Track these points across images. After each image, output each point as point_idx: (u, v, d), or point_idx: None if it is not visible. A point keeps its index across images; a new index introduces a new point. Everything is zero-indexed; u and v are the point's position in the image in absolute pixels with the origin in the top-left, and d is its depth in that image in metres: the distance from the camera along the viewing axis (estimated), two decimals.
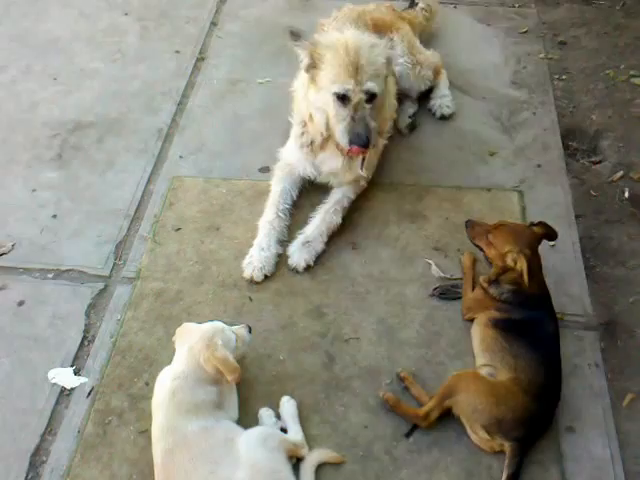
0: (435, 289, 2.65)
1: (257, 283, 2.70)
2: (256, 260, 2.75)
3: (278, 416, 2.28)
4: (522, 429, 2.13)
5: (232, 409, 2.22)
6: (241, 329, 2.28)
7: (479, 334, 2.40)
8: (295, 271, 2.73)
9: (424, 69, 3.43)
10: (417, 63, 3.38)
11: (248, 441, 2.06)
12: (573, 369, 2.40)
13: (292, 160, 2.99)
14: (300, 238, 2.80)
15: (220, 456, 1.97)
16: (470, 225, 2.57)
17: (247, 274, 2.73)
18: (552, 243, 2.77)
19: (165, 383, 2.14)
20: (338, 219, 2.85)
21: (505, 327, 2.33)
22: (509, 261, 2.36)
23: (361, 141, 2.57)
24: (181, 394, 2.07)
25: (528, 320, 2.32)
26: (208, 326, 2.21)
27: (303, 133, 2.90)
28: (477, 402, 2.15)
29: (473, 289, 2.56)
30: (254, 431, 2.12)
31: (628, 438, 2.24)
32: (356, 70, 2.54)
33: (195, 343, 2.14)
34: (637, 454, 2.20)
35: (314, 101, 2.71)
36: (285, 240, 2.85)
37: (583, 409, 2.30)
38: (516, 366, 2.21)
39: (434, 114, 3.44)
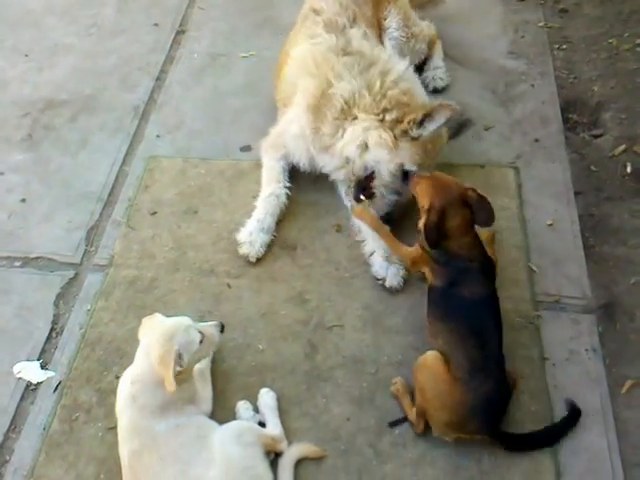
0: None
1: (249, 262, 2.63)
2: (256, 240, 2.65)
3: (256, 409, 2.22)
4: (473, 423, 2.03)
5: (205, 403, 2.16)
6: (211, 328, 2.14)
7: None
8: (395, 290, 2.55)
9: (418, 42, 3.30)
10: (412, 36, 3.25)
11: (222, 437, 2.00)
12: (569, 355, 2.32)
13: (291, 146, 2.83)
14: (378, 254, 2.59)
15: (191, 455, 1.91)
16: (412, 177, 2.46)
17: (244, 252, 2.63)
18: (549, 222, 2.71)
19: (125, 387, 2.05)
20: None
21: (432, 295, 2.23)
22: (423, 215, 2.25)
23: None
24: (142, 398, 1.98)
25: (453, 283, 2.17)
26: (170, 323, 2.06)
27: (316, 126, 2.69)
28: (433, 416, 2.08)
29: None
30: (229, 426, 2.06)
31: (627, 427, 2.16)
32: None
33: (153, 341, 2.02)
34: (636, 444, 2.13)
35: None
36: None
37: (580, 397, 2.22)
38: (448, 347, 2.10)
39: (427, 86, 3.32)
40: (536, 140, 3.04)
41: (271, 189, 2.79)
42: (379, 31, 3.14)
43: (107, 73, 3.49)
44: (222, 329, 2.18)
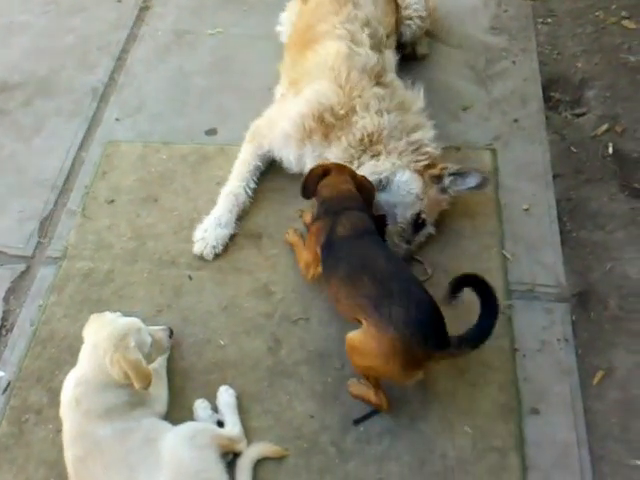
0: None
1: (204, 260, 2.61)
2: (211, 237, 2.62)
3: (215, 408, 2.21)
4: (419, 348, 1.94)
5: (159, 403, 2.15)
6: (160, 332, 2.15)
7: None
8: None
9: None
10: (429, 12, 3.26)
11: (174, 440, 1.98)
12: (541, 345, 2.32)
13: (279, 143, 2.73)
14: None
15: (138, 460, 1.90)
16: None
17: (197, 250, 2.62)
18: (525, 207, 2.70)
19: (69, 390, 2.03)
20: None
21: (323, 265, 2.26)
22: None
23: None
24: (86, 402, 1.97)
25: (330, 231, 2.21)
26: (122, 323, 2.06)
27: (320, 142, 2.61)
28: (388, 373, 2.03)
29: None
30: (181, 428, 2.04)
31: (596, 419, 2.17)
32: None
33: (102, 341, 2.01)
34: (605, 436, 2.14)
35: None
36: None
37: (549, 389, 2.23)
38: (351, 299, 2.08)
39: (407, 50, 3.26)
40: (515, 120, 3.01)
41: (232, 187, 2.75)
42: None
43: (64, 53, 3.43)
44: (171, 334, 2.18)
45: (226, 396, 2.22)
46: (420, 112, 2.72)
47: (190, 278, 2.57)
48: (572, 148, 2.91)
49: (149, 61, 3.39)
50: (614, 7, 3.53)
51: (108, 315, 2.10)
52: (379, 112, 2.57)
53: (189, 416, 2.20)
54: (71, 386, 2.01)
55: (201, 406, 2.21)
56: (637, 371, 2.26)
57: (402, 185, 2.50)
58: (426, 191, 2.49)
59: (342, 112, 2.57)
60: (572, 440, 2.12)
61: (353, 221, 2.20)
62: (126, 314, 2.38)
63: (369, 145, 2.56)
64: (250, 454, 2.10)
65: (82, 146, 3.04)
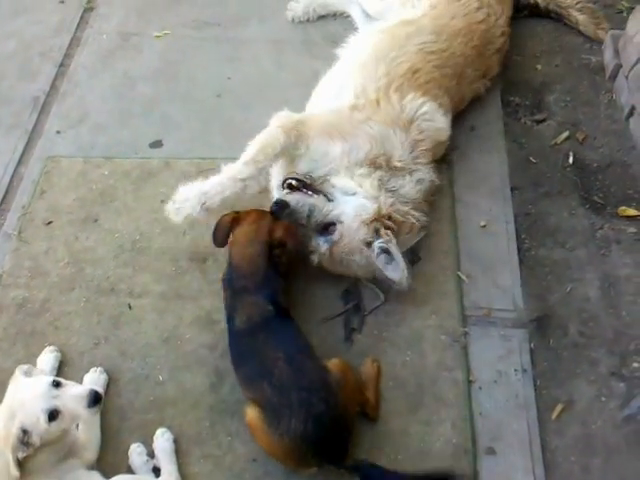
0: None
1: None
2: (185, 211, 2.20)
3: (152, 453, 1.94)
4: (311, 458, 1.81)
5: (89, 450, 1.87)
6: (75, 399, 1.72)
7: None
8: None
9: None
10: None
11: None
12: (498, 377, 2.07)
13: (312, 155, 2.25)
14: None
15: None
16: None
17: (168, 209, 2.24)
18: (483, 223, 2.42)
19: None
20: None
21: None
22: None
23: None
24: (2, 460, 1.66)
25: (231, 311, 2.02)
26: (16, 398, 1.70)
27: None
28: (282, 463, 1.89)
29: None
30: None
31: (555, 457, 1.93)
32: None
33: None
34: (564, 477, 1.90)
35: None
36: None
37: (506, 425, 1.98)
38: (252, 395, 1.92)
39: None
40: (472, 129, 2.70)
41: (246, 171, 2.21)
42: None
43: (4, 60, 3.04)
44: (96, 400, 1.74)
45: (162, 441, 1.95)
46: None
47: (130, 307, 2.27)
48: (531, 158, 2.61)
49: (93, 67, 3.01)
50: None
51: (18, 378, 1.77)
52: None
53: (124, 460, 1.94)
54: None
55: (136, 451, 1.94)
56: (598, 404, 2.02)
57: (356, 205, 2.18)
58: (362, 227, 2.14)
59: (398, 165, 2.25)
60: None
61: (249, 312, 1.93)
62: (62, 347, 2.17)
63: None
64: None
65: (21, 161, 2.68)
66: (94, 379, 2.06)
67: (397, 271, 2.09)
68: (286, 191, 2.19)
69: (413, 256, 2.30)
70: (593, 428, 1.97)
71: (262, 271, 1.98)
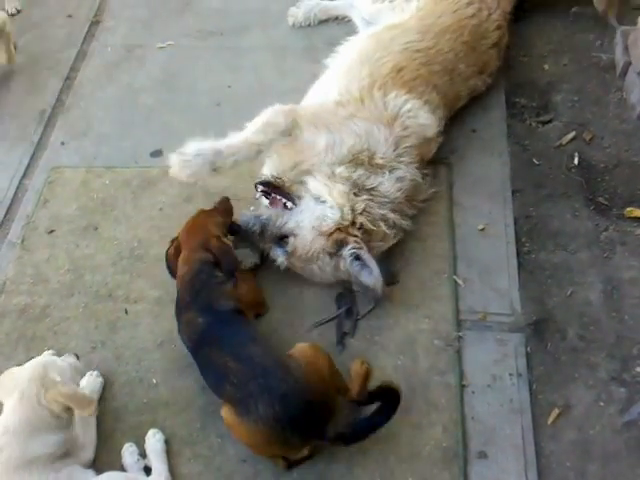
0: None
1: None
2: (193, 166, 2.33)
3: (144, 453, 2.10)
4: (290, 440, 1.93)
5: (86, 451, 2.05)
6: (68, 358, 2.11)
7: None
8: None
9: None
10: None
11: None
12: (492, 381, 2.16)
13: (303, 144, 2.41)
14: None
15: None
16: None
17: (172, 162, 2.39)
18: (481, 227, 2.52)
19: None
20: None
21: None
22: None
23: None
24: (9, 451, 1.87)
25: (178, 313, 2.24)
26: (35, 363, 1.99)
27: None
28: (265, 455, 2.06)
29: None
30: (101, 478, 1.94)
31: (550, 463, 2.00)
32: None
33: (27, 387, 1.92)
34: None
35: None
36: None
37: (499, 430, 2.07)
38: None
39: None
40: (474, 130, 2.82)
41: (259, 139, 2.35)
42: None
43: (13, 75, 3.31)
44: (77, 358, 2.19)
45: (153, 441, 2.10)
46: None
47: (126, 312, 2.44)
48: (534, 160, 2.71)
49: (98, 80, 3.26)
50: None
51: (10, 371, 2.01)
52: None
53: (118, 460, 2.09)
54: None
55: (129, 450, 2.10)
56: (596, 409, 2.09)
57: (315, 216, 2.31)
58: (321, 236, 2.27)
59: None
60: None
61: (188, 331, 2.14)
62: (60, 351, 2.33)
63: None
64: None
65: (26, 173, 2.92)
66: (90, 382, 2.24)
67: (371, 277, 2.22)
68: (259, 194, 2.41)
69: (392, 278, 2.37)
70: (591, 433, 2.04)
71: (190, 287, 2.17)
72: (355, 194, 2.29)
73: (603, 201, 2.54)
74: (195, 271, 2.18)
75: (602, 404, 2.09)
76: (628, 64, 2.88)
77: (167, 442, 2.12)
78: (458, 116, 2.86)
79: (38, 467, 1.89)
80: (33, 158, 2.98)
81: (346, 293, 2.39)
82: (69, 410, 1.97)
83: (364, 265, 2.23)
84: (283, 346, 2.14)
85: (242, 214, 2.41)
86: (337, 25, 3.32)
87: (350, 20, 3.24)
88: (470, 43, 2.65)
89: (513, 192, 2.61)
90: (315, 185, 2.35)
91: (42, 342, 2.39)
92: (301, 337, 2.25)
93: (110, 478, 1.95)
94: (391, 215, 2.32)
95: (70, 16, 3.57)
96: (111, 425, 2.19)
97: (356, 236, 2.25)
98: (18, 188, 2.88)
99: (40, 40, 3.46)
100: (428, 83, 2.50)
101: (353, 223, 2.27)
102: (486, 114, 2.88)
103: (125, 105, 3.14)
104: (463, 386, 2.15)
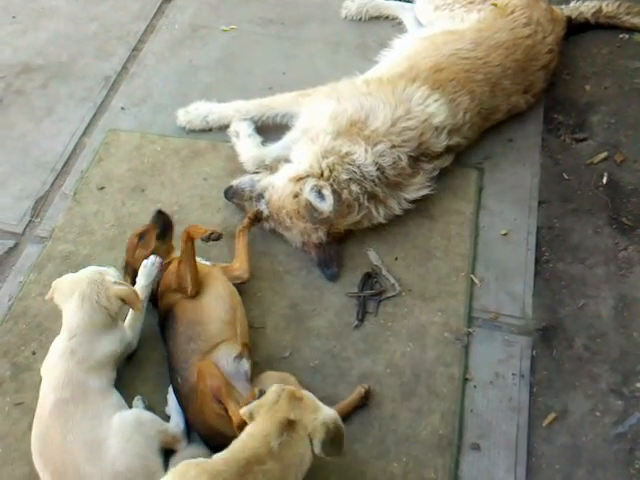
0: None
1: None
2: (199, 117, 2.87)
3: (149, 406, 2.12)
4: None
5: (132, 344, 2.20)
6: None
7: None
8: None
9: None
10: None
11: (122, 421, 1.94)
12: (494, 378, 2.13)
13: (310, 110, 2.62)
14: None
15: (105, 419, 1.91)
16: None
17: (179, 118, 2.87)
18: (504, 232, 2.47)
19: (60, 346, 2.04)
20: None
21: None
22: None
23: None
24: (81, 351, 2.00)
25: None
26: (90, 269, 2.15)
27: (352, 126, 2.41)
28: None
29: None
30: (133, 412, 2.01)
31: (540, 463, 1.97)
32: None
33: (87, 289, 2.07)
34: None
35: None
36: None
37: (495, 425, 2.04)
38: None
39: None
40: (510, 140, 2.76)
41: (250, 111, 2.79)
42: None
43: (86, 40, 3.35)
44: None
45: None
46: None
47: None
48: (564, 174, 2.64)
49: (162, 53, 3.28)
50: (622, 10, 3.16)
51: (65, 277, 2.16)
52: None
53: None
54: (64, 341, 2.03)
55: (136, 403, 2.14)
56: (591, 417, 2.04)
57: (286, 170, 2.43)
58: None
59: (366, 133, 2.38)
60: None
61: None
62: None
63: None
64: (185, 455, 1.99)
65: (86, 132, 2.97)
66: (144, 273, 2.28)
67: (324, 203, 2.24)
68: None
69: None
70: (583, 440, 2.00)
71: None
72: (324, 156, 2.32)
73: (626, 221, 2.47)
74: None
75: (598, 414, 2.05)
76: None
77: None
78: (496, 125, 2.79)
79: (107, 370, 2.04)
80: (94, 119, 3.02)
81: (374, 275, 2.37)
82: (120, 311, 2.11)
83: (322, 195, 2.25)
84: (304, 321, 2.16)
85: (241, 178, 2.57)
86: (391, 27, 3.28)
87: (401, 22, 3.21)
88: (521, 62, 2.60)
89: (540, 203, 2.55)
90: (295, 149, 2.46)
91: None
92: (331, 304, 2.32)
93: (141, 414, 2.01)
94: (354, 187, 2.28)
95: None
96: (133, 373, 2.22)
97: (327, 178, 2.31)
98: (77, 144, 2.93)
99: (115, 11, 3.50)
100: (463, 87, 2.46)
101: (322, 175, 2.31)
102: (523, 126, 2.81)
103: (184, 80, 3.15)
104: (466, 379, 2.13)
